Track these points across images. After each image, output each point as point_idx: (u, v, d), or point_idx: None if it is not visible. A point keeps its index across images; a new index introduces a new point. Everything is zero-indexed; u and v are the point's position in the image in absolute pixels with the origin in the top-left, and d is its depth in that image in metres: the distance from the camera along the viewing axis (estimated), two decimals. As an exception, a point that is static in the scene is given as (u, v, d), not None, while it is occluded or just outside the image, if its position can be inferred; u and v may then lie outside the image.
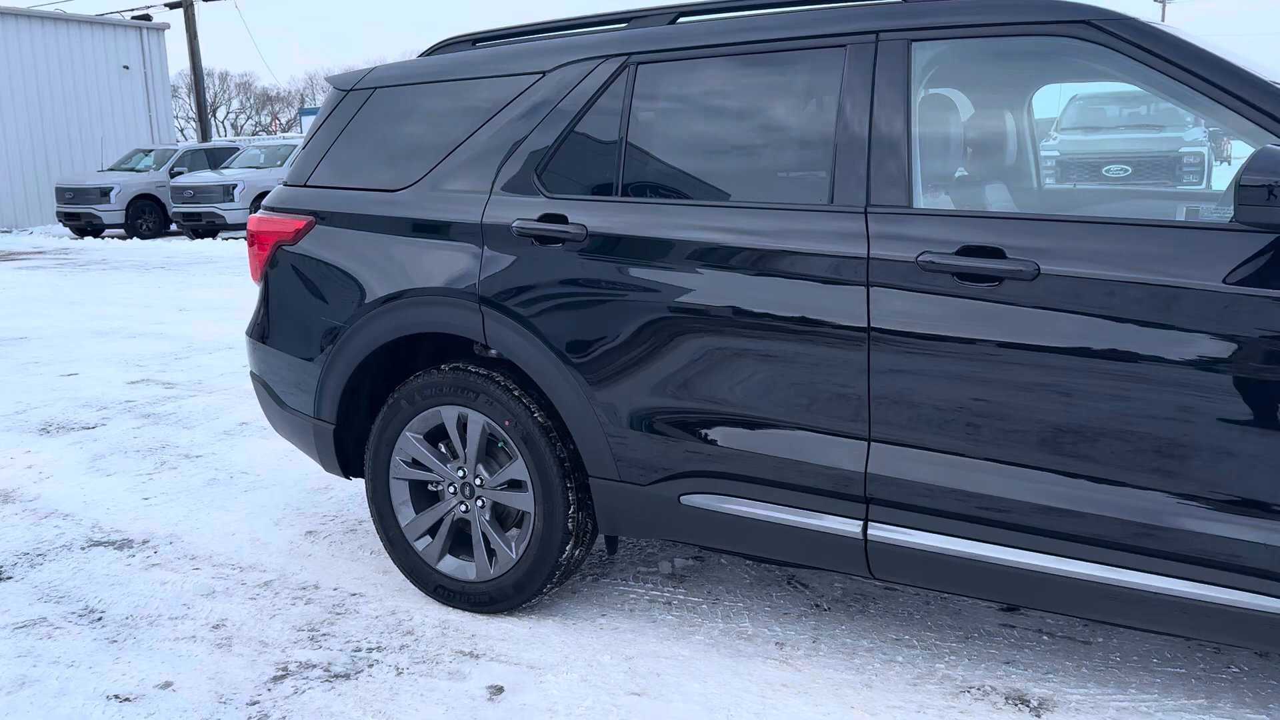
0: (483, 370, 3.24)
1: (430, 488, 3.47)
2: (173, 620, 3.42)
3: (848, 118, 2.67)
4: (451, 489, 3.37)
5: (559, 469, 3.13)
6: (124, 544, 4.10)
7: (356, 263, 3.42)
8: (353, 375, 3.44)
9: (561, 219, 3.04)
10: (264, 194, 19.67)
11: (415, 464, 3.43)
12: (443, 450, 3.41)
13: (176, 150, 22.58)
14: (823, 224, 2.67)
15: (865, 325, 2.59)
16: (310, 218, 3.56)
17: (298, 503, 4.53)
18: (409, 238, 3.31)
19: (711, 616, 3.33)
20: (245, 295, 11.51)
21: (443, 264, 3.23)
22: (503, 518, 3.35)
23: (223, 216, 19.57)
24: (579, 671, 3.01)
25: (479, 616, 3.36)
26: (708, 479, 2.88)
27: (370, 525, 4.21)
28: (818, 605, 3.39)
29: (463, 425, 3.30)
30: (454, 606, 3.40)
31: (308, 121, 43.71)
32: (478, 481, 3.31)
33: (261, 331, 3.75)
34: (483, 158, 3.24)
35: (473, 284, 3.15)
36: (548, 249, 3.05)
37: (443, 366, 3.31)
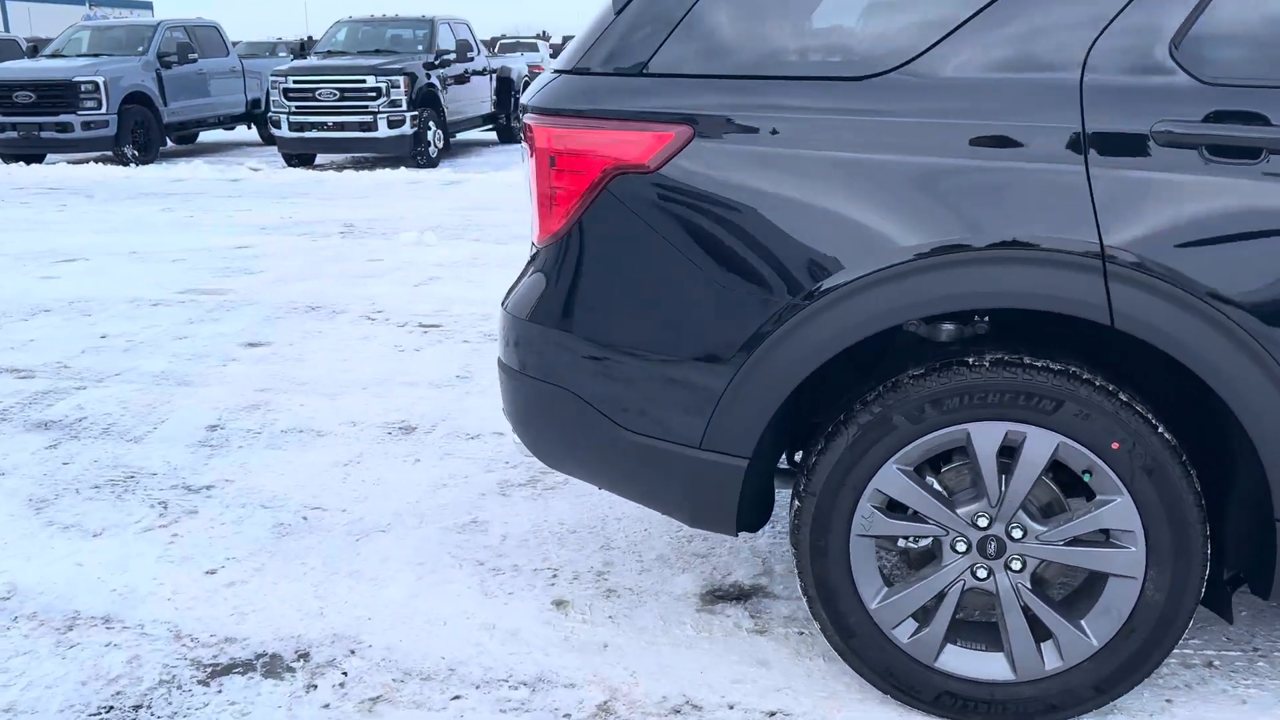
0: (1055, 365, 2.07)
1: (906, 543, 2.27)
2: (540, 815, 2.02)
3: None
4: (960, 545, 2.18)
5: (1198, 512, 2.05)
6: (271, 664, 2.53)
7: (805, 200, 2.09)
8: (803, 383, 2.14)
9: (1257, 119, 1.90)
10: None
11: (899, 511, 2.21)
12: (937, 488, 2.21)
13: None
14: None
15: None
16: (682, 127, 2.15)
17: (461, 550, 3.07)
18: (917, 155, 2.04)
19: (1305, 680, 2.40)
20: (-19, 234, 8.88)
21: (1004, 197, 2.00)
22: (1038, 581, 2.22)
23: None
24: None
25: (1014, 731, 2.23)
26: None
27: (631, 579, 2.87)
28: (1388, 641, 2.55)
29: (1008, 450, 2.12)
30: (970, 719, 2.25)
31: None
32: (1017, 534, 2.15)
33: (574, 315, 2.30)
34: (1054, 19, 2.01)
35: (1083, 227, 1.95)
36: (1235, 168, 1.91)
37: (970, 360, 2.09)
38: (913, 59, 2.06)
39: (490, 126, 16.46)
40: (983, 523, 2.17)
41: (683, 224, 2.17)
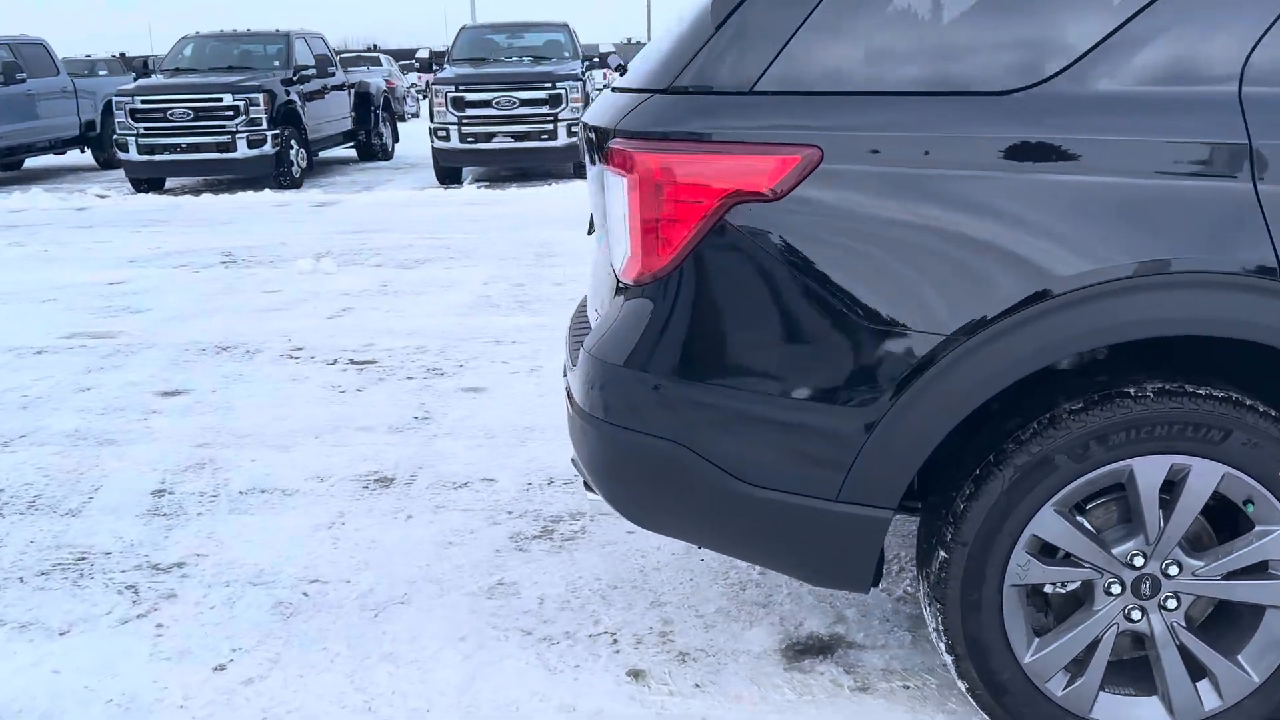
0: (1218, 392, 1.95)
1: (1054, 588, 2.13)
2: None
3: None
4: (1114, 588, 2.05)
5: (1363, 537, 1.98)
6: (331, 778, 2.19)
7: (951, 226, 1.91)
8: (960, 425, 1.96)
9: None
10: None
11: (1051, 556, 2.06)
12: (1088, 528, 2.07)
13: None
14: None
15: None
16: (808, 149, 1.95)
17: (500, 619, 2.77)
18: (1065, 175, 1.88)
19: None
20: None
21: (1176, 218, 1.87)
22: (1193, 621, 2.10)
23: None
24: None
25: (1173, 779, 2.11)
26: None
27: (699, 639, 2.64)
28: None
29: (1169, 484, 1.99)
30: (1129, 770, 2.12)
31: None
32: (1173, 571, 2.03)
33: (685, 359, 2.06)
34: (1207, 29, 1.89)
35: (1256, 248, 1.84)
36: None
37: (1132, 391, 1.96)
38: (1057, 73, 1.91)
39: (350, 144, 15.84)
40: (1138, 562, 2.04)
41: (813, 255, 1.96)
